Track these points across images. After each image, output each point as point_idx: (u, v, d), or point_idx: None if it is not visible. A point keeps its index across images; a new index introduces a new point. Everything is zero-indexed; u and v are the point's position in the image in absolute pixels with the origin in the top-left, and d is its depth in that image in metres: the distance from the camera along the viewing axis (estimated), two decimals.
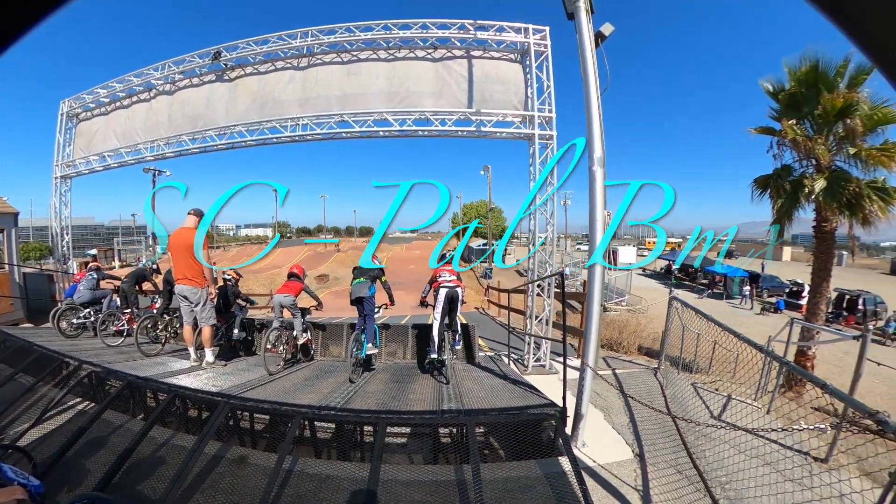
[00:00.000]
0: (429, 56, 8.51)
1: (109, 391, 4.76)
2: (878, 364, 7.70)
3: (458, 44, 8.38)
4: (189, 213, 6.09)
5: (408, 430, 4.60)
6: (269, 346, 6.33)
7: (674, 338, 7.73)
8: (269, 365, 6.03)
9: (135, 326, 7.10)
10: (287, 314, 6.91)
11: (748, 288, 29.29)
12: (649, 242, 69.20)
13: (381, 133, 8.80)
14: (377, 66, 8.74)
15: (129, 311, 8.04)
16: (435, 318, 6.23)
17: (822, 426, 5.27)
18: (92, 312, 8.02)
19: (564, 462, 3.71)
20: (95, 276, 8.37)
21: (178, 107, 10.36)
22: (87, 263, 9.34)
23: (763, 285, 30.91)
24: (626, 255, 40.94)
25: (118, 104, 11.14)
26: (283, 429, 4.02)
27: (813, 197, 9.46)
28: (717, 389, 6.90)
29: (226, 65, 9.81)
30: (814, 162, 9.71)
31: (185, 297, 5.90)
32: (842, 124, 9.29)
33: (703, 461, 4.80)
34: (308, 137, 9.17)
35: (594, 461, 4.72)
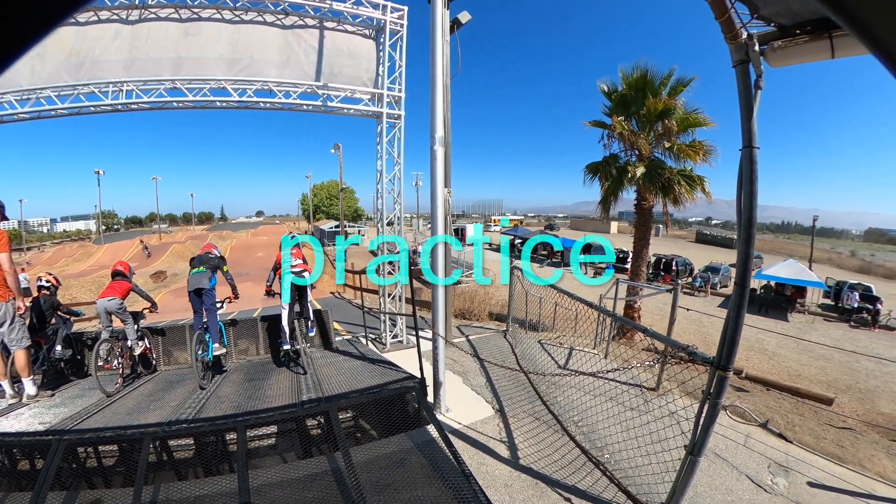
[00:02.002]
0: (278, 21, 7.81)
1: None
2: (688, 310, 9.99)
3: (312, 12, 7.83)
4: None
5: (272, 429, 4.47)
6: (100, 363, 5.47)
7: (519, 303, 8.65)
8: (104, 385, 5.22)
9: None
10: (117, 322, 5.96)
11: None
12: (494, 219, 74.59)
13: (219, 104, 7.93)
14: (220, 28, 7.77)
15: None
16: (283, 307, 5.96)
17: (650, 363, 6.66)
18: None
19: (432, 430, 3.94)
20: None
21: None
22: None
23: (595, 254, 35.42)
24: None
25: None
26: (136, 456, 3.59)
27: (635, 181, 11.62)
28: (561, 343, 7.78)
29: None
30: (636, 153, 11.83)
31: None
32: (661, 124, 11.43)
33: (557, 406, 5.51)
34: (133, 106, 7.89)
35: (459, 423, 5.05)
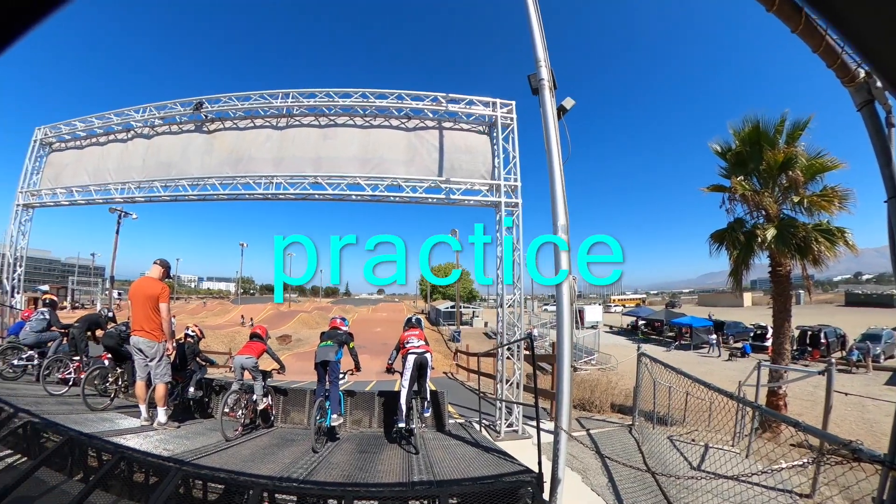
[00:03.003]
0: (402, 125, 8.95)
1: (46, 446, 4.35)
2: (846, 394, 8.05)
3: (431, 115, 8.84)
4: (154, 263, 5.89)
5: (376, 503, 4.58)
6: (227, 410, 6.04)
7: (646, 392, 7.87)
8: (226, 430, 5.76)
9: (83, 376, 6.55)
10: (248, 376, 6.66)
11: (714, 336, 30.13)
12: (614, 300, 69.51)
13: (354, 197, 9.04)
14: (352, 132, 9.10)
15: (78, 358, 7.43)
16: (403, 386, 6.07)
17: (802, 462, 5.48)
18: (37, 355, 7.52)
19: None
20: (46, 315, 7.80)
21: (154, 152, 10.30)
22: (36, 300, 8.70)
23: (728, 332, 31.92)
24: (593, 313, 41.16)
25: (94, 140, 10.97)
26: (240, 500, 3.82)
27: (766, 245, 10.18)
28: (693, 440, 6.94)
29: (206, 116, 9.90)
30: (763, 212, 10.53)
31: (141, 350, 5.54)
32: (785, 176, 10.23)
33: None
34: (281, 196, 9.31)
35: None
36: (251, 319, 48.08)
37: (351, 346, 6.59)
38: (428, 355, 6.25)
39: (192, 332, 7.42)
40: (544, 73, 5.41)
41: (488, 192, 8.57)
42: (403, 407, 5.98)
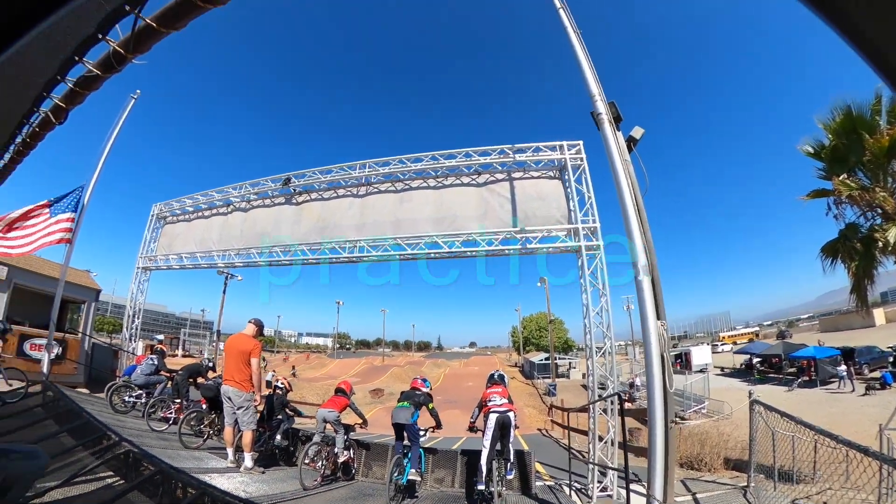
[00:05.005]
0: (473, 182, 9.28)
1: (142, 473, 4.65)
2: None
3: (499, 167, 9.09)
4: (249, 322, 6.38)
5: None
6: (307, 460, 6.23)
7: (763, 445, 6.90)
8: (305, 479, 5.91)
9: (181, 417, 7.36)
10: (330, 429, 6.85)
11: (843, 367, 26.14)
12: (723, 337, 59.83)
13: (433, 255, 9.37)
14: (426, 194, 9.59)
15: (179, 401, 8.24)
16: (484, 446, 5.81)
17: None
18: (144, 394, 8.43)
19: None
20: (155, 361, 8.75)
21: (251, 223, 11.72)
22: (152, 347, 9.99)
23: (860, 360, 27.48)
24: (701, 355, 36.50)
25: (199, 214, 12.81)
26: None
27: (891, 249, 8.60)
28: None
29: (294, 190, 11.15)
30: (879, 211, 8.89)
31: (230, 399, 5.95)
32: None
33: None
34: (364, 258, 9.93)
35: None
36: (293, 367, 49.91)
37: (430, 406, 6.53)
38: (511, 414, 5.98)
39: (281, 384, 7.95)
40: (601, 107, 5.27)
41: (566, 237, 8.47)
42: (483, 468, 5.74)
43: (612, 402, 7.67)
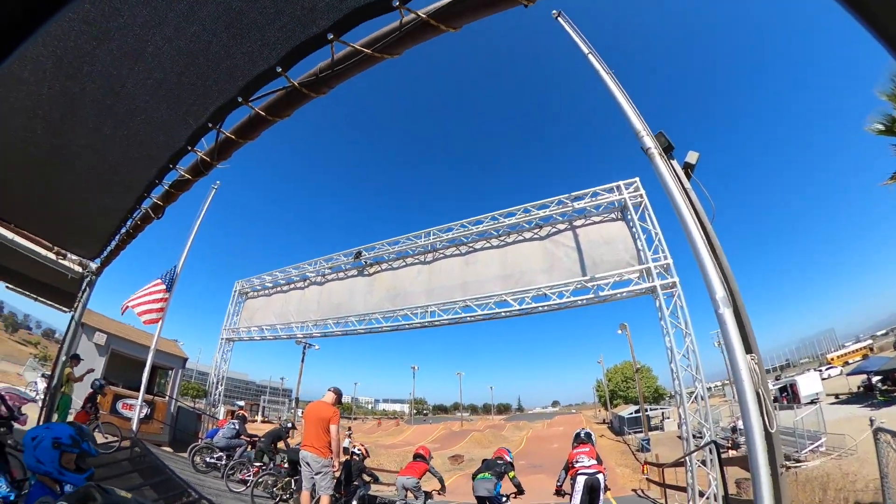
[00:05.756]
0: (536, 236, 9.39)
1: None
2: None
3: (560, 217, 9.18)
4: (329, 390, 6.53)
5: None
6: None
7: None
8: None
9: (255, 478, 7.53)
10: (410, 496, 6.84)
11: None
12: (832, 358, 51.67)
13: (503, 314, 9.41)
14: (490, 254, 9.79)
15: (259, 464, 8.40)
16: None
17: None
18: (225, 457, 8.70)
19: None
20: (236, 426, 9.09)
21: (326, 295, 12.44)
22: (233, 412, 10.58)
23: None
24: (809, 384, 31.88)
25: (278, 289, 13.80)
26: None
27: None
28: None
29: (365, 262, 11.80)
30: None
31: (308, 464, 5.99)
32: None
33: None
34: (436, 323, 10.13)
35: None
36: (349, 429, 50.18)
37: (511, 475, 6.42)
38: (600, 476, 5.78)
39: (359, 450, 8.03)
40: (648, 142, 5.26)
41: (639, 278, 8.21)
42: None
43: (710, 452, 6.97)
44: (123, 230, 4.64)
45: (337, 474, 6.54)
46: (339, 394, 6.68)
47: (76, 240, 5.15)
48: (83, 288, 5.72)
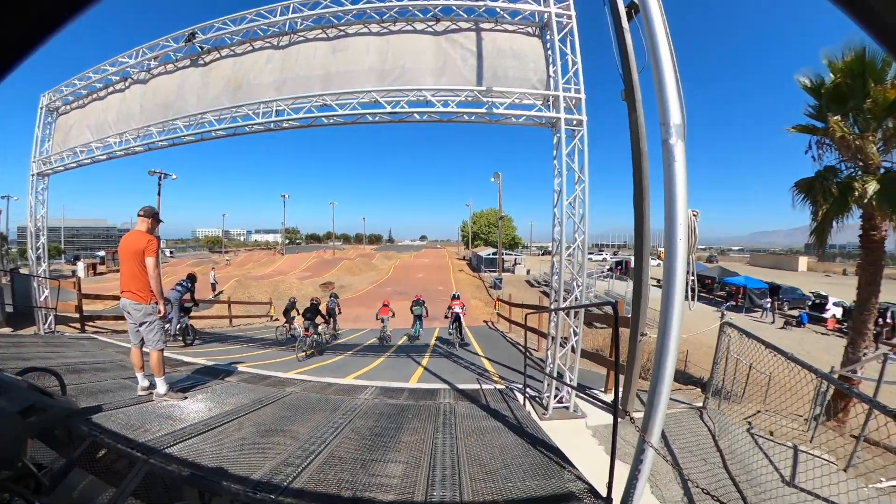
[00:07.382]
0: (429, 28, 6.98)
1: None
2: None
3: (465, 14, 6.89)
4: (139, 214, 4.91)
5: None
6: None
7: (708, 362, 6.71)
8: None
9: None
10: None
11: (769, 300, 27.92)
12: (660, 253, 66.32)
13: (370, 117, 7.33)
14: (367, 41, 7.27)
15: None
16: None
17: None
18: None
19: None
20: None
21: (151, 95, 9.08)
22: (94, 265, 8.66)
23: (783, 297, 29.59)
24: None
25: (94, 95, 9.93)
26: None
27: (866, 200, 8.67)
28: (771, 434, 5.68)
29: (201, 48, 8.44)
30: (860, 163, 9.00)
31: (129, 313, 4.75)
32: (892, 119, 8.52)
33: None
34: (284, 125, 7.80)
35: None
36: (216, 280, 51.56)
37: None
38: (460, 311, 12.58)
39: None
40: None
41: (543, 105, 6.70)
42: (446, 337, 12.11)
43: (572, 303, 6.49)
44: None
45: (163, 320, 4.95)
46: (151, 215, 4.97)
47: None
48: None
